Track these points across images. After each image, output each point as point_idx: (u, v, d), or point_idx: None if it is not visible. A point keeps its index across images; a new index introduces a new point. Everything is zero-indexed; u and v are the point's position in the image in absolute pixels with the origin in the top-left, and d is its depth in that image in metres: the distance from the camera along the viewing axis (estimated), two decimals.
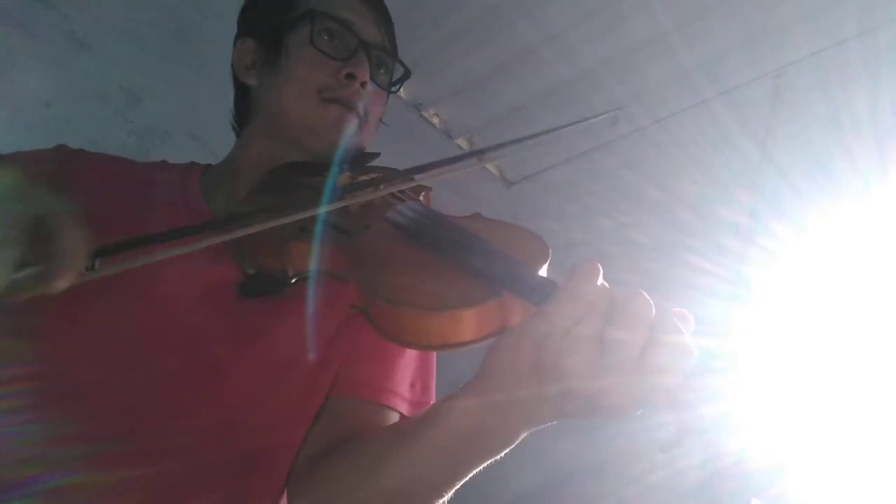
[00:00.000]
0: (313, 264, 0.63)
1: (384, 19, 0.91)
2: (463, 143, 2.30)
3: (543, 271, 0.56)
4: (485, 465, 0.56)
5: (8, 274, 0.41)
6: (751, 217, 1.69)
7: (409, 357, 0.80)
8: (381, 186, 0.69)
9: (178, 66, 1.78)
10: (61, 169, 0.80)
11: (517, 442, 0.54)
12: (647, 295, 0.49)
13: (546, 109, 1.94)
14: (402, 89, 1.96)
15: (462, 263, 0.55)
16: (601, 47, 1.69)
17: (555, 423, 0.52)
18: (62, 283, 0.45)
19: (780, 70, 1.55)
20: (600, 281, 0.50)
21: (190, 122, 1.81)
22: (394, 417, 0.76)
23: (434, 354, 0.83)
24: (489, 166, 2.38)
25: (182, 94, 1.79)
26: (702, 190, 1.82)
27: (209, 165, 0.93)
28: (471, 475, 0.57)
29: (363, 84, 0.83)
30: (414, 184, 0.74)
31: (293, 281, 0.65)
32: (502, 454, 0.55)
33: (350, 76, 0.82)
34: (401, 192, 0.73)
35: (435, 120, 2.15)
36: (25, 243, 0.43)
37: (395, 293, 0.54)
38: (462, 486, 0.60)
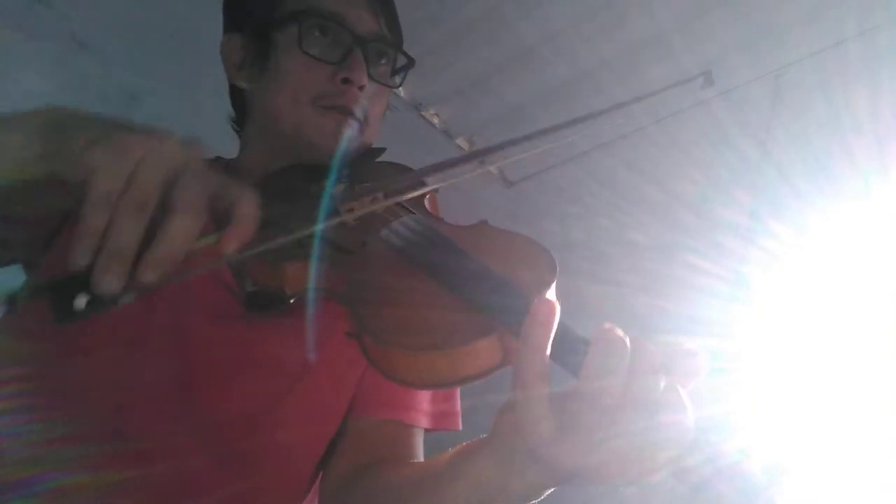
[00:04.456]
0: (311, 284, 0.58)
1: (382, 2, 0.83)
2: (463, 143, 2.30)
3: (551, 292, 0.51)
4: None
5: (192, 241, 0.46)
6: (751, 217, 1.69)
7: None
8: (382, 195, 0.63)
9: (178, 66, 1.78)
10: None
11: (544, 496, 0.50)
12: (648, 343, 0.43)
13: (546, 109, 1.94)
14: (402, 89, 1.97)
15: (458, 292, 0.51)
16: (601, 47, 1.69)
17: None
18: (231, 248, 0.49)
19: (780, 70, 1.55)
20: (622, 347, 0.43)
21: (190, 122, 1.80)
22: (417, 433, 0.75)
23: None
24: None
25: (182, 94, 1.78)
26: (702, 190, 1.82)
27: (229, 161, 0.88)
28: None
29: (361, 88, 0.78)
30: (417, 193, 0.68)
31: (292, 300, 0.62)
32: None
33: (346, 81, 0.77)
34: (403, 200, 0.67)
35: (435, 120, 2.15)
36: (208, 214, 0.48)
37: (382, 330, 0.50)
38: None
